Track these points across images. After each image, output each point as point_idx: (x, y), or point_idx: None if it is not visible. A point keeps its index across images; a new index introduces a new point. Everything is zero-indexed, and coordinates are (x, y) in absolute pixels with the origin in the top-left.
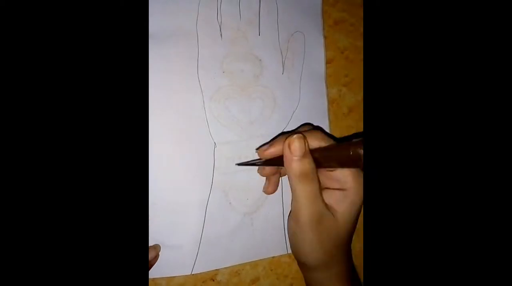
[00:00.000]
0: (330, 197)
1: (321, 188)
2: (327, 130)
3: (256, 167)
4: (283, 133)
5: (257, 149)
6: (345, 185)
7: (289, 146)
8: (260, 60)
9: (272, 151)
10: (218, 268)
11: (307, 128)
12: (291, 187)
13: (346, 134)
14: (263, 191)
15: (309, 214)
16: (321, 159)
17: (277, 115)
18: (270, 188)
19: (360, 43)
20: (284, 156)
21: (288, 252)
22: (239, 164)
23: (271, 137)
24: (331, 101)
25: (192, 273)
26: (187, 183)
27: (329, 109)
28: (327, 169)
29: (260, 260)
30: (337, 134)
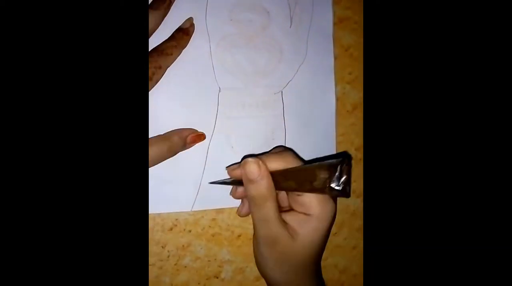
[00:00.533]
0: (294, 219)
1: (284, 209)
2: (333, 112)
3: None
4: (251, 155)
5: (227, 167)
6: (309, 210)
7: (244, 168)
8: (268, 12)
9: (239, 172)
10: (218, 207)
11: (279, 150)
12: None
13: (350, 132)
14: (236, 213)
15: (263, 235)
16: (282, 182)
17: (283, 67)
18: (244, 210)
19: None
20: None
21: None
22: (212, 182)
23: (277, 88)
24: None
25: (192, 210)
26: (190, 124)
27: (335, 70)
28: (289, 192)
29: None
30: (341, 131)
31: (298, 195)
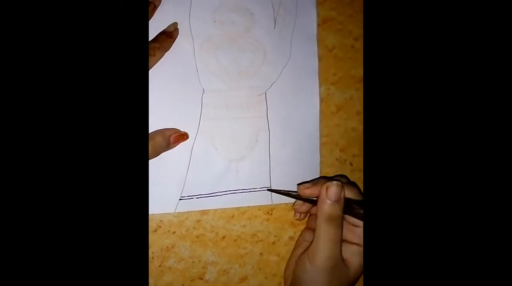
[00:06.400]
0: (347, 250)
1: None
2: (317, 113)
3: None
4: (324, 177)
5: (298, 184)
6: (363, 242)
7: (326, 189)
8: (252, 13)
9: (312, 191)
10: (202, 209)
11: (345, 180)
12: (316, 227)
13: (334, 133)
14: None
15: (326, 256)
16: (350, 209)
17: (267, 68)
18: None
19: (348, 42)
20: (319, 196)
21: (273, 203)
22: (271, 190)
23: (260, 89)
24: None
25: (176, 211)
26: (173, 125)
27: (319, 71)
28: (351, 219)
29: (249, 259)
30: (326, 132)
31: (356, 226)
